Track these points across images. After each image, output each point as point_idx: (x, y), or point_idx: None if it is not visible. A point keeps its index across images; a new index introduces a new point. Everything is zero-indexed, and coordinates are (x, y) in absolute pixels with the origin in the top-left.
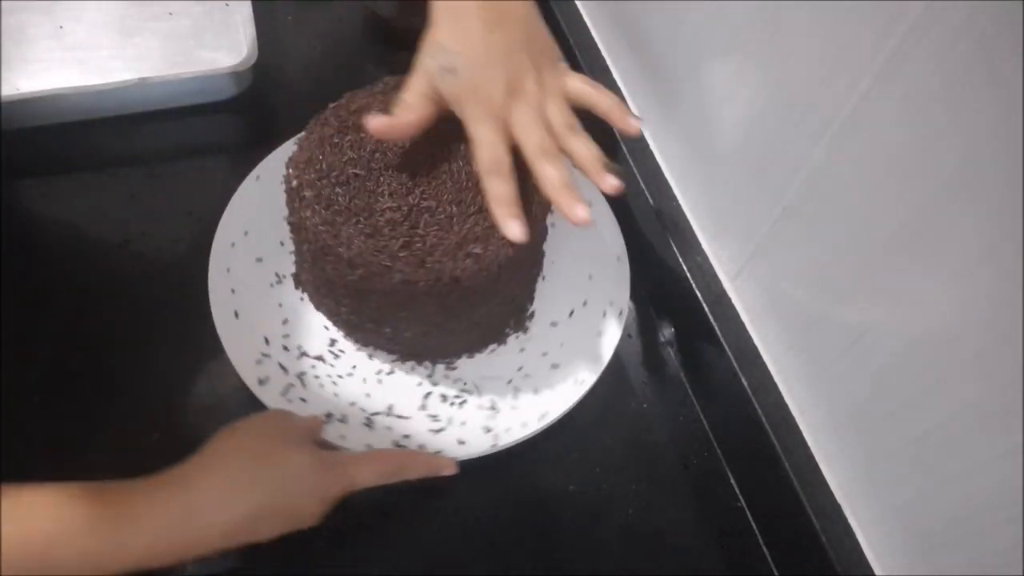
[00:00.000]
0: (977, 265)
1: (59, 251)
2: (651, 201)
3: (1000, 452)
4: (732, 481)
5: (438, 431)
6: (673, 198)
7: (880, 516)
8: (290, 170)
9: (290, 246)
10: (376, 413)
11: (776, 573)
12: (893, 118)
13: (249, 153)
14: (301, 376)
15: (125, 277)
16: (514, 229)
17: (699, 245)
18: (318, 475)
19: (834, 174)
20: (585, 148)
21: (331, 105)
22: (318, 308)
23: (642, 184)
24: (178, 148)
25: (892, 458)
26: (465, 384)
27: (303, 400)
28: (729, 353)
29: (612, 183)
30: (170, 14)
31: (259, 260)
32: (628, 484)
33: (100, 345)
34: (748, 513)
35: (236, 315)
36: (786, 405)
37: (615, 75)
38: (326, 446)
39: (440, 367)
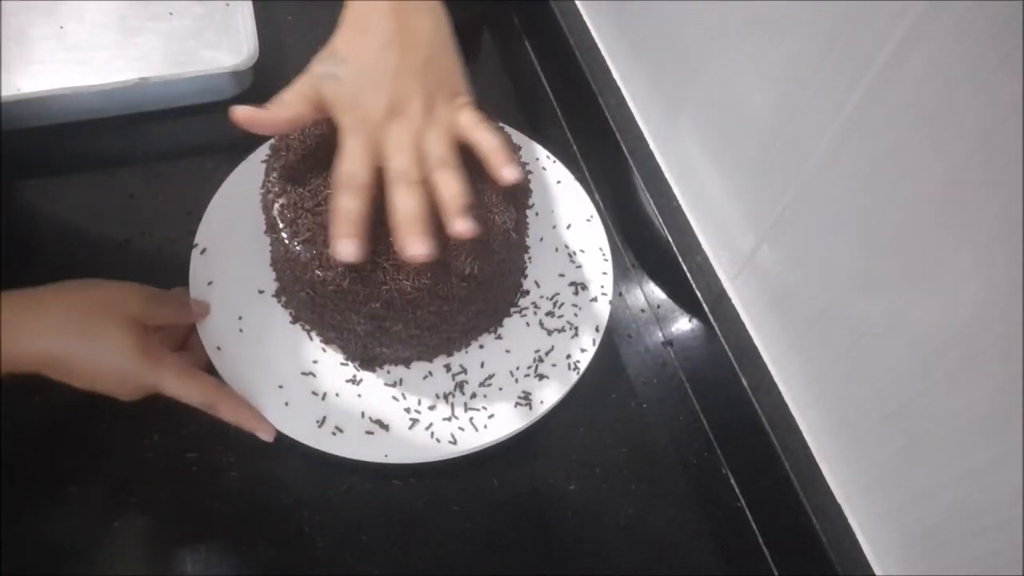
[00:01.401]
0: (976, 266)
1: (59, 251)
2: (652, 202)
3: (1000, 452)
4: (732, 481)
5: (517, 403)
6: (673, 198)
7: (880, 516)
8: (288, 239)
9: (269, 300)
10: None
11: (776, 573)
12: (895, 117)
13: (249, 153)
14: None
15: (125, 277)
16: (345, 248)
17: (699, 245)
18: (128, 355)
19: (835, 174)
20: (448, 186)
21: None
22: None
23: (642, 184)
24: (178, 148)
25: (892, 458)
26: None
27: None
28: (729, 353)
29: (462, 227)
30: (171, 14)
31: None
32: (628, 484)
33: None
34: (748, 513)
35: (281, 387)
36: (786, 405)
37: (615, 75)
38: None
39: (472, 348)
